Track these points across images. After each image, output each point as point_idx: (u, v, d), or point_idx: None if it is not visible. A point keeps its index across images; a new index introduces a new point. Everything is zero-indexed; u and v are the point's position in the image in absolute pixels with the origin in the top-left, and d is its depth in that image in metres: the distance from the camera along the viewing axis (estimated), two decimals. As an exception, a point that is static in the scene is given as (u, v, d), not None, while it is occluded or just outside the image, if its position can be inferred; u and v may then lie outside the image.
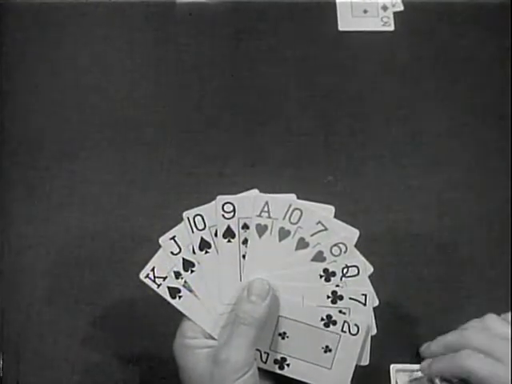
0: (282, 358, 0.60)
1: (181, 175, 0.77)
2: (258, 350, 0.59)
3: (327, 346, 0.59)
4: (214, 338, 0.59)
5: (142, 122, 0.79)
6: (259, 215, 0.59)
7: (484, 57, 0.83)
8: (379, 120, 0.80)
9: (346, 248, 0.59)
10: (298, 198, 0.60)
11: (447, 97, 0.81)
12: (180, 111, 0.80)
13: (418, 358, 0.67)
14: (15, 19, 0.84)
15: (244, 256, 0.59)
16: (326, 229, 0.59)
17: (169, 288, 0.60)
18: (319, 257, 0.59)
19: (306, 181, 0.76)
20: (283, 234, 0.59)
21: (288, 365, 0.60)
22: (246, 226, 0.59)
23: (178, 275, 0.60)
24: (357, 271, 0.59)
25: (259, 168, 0.77)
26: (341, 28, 0.85)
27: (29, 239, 0.73)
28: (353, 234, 0.59)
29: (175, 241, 0.60)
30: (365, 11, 0.86)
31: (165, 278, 0.59)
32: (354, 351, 0.59)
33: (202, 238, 0.59)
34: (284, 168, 0.77)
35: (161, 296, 0.59)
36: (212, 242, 0.59)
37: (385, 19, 0.85)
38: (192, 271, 0.59)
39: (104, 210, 0.75)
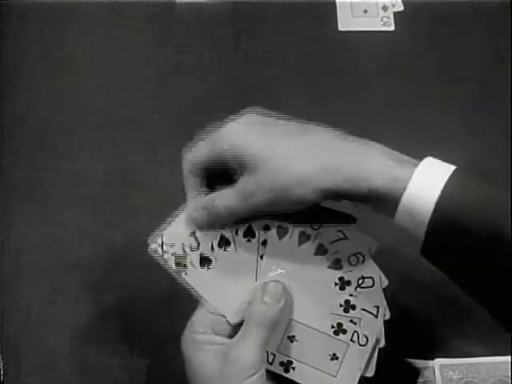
0: (288, 360, 0.59)
1: (181, 175, 0.77)
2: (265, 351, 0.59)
3: (334, 354, 0.59)
4: (223, 335, 0.58)
5: (142, 122, 0.80)
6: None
7: (484, 57, 0.83)
8: (379, 120, 0.80)
9: (364, 258, 0.59)
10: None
11: (447, 97, 0.81)
12: (180, 111, 0.80)
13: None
14: (15, 19, 0.84)
15: (262, 257, 0.59)
16: (346, 238, 0.59)
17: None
18: (336, 265, 0.59)
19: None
20: (303, 238, 0.59)
21: (293, 368, 0.59)
22: (267, 228, 0.59)
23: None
24: (372, 283, 0.59)
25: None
26: (341, 28, 0.85)
27: (29, 239, 0.73)
28: (372, 245, 0.59)
29: (195, 236, 0.59)
30: (365, 11, 0.86)
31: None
32: (360, 361, 0.59)
33: (221, 235, 0.59)
34: None
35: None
36: (232, 240, 0.59)
37: (385, 19, 0.85)
38: (209, 268, 0.59)
39: (104, 210, 0.75)
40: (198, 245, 0.59)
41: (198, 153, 0.59)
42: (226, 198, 0.57)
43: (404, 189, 0.53)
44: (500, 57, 0.83)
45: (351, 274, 0.59)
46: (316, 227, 0.59)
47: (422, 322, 0.70)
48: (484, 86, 0.81)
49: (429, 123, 0.80)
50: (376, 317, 0.59)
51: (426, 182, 0.53)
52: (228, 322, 0.58)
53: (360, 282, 0.59)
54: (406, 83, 0.82)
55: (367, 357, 0.59)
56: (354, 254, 0.59)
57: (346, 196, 0.55)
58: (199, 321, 0.58)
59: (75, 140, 0.78)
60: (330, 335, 0.59)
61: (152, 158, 0.78)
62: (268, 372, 0.58)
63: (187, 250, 0.59)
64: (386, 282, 0.59)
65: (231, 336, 0.58)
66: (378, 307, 0.59)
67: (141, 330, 0.69)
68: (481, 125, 0.80)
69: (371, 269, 0.59)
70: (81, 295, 0.71)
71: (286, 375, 0.59)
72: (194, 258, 0.59)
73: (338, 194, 0.54)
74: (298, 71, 0.82)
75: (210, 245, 0.59)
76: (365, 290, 0.59)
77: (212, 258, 0.59)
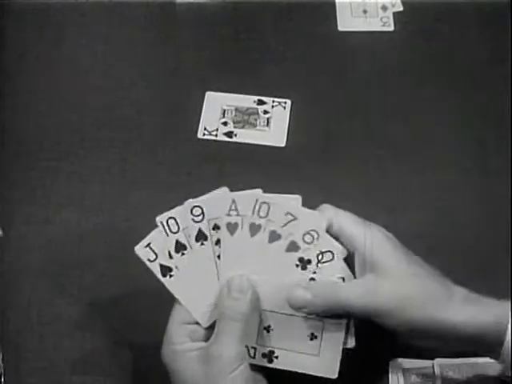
0: (269, 351, 0.60)
1: (181, 175, 0.77)
2: (245, 346, 0.59)
3: (312, 334, 0.60)
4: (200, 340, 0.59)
5: (142, 122, 0.80)
6: (228, 214, 0.60)
7: (484, 57, 0.83)
8: (379, 120, 0.80)
9: (318, 234, 0.60)
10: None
11: (447, 97, 0.81)
12: (180, 111, 0.80)
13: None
14: (15, 19, 0.84)
15: (219, 256, 0.60)
16: (295, 218, 0.60)
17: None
18: (293, 247, 0.60)
19: (305, 181, 0.76)
20: (254, 229, 0.60)
21: (276, 357, 0.60)
22: (216, 227, 0.60)
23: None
24: (331, 256, 0.60)
25: (259, 168, 0.77)
26: (340, 28, 0.85)
27: (29, 239, 0.73)
28: (323, 221, 0.60)
29: (151, 248, 0.60)
30: (364, 11, 0.86)
31: None
32: (338, 335, 0.59)
33: (177, 241, 0.60)
34: (284, 168, 0.77)
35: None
36: (187, 244, 0.60)
37: (384, 19, 0.85)
38: (170, 276, 0.60)
39: (104, 210, 0.75)
40: (156, 256, 0.60)
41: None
42: (347, 290, 0.59)
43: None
44: (500, 57, 0.83)
45: (309, 253, 0.60)
46: (263, 215, 0.59)
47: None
48: (484, 86, 0.81)
49: (429, 123, 0.79)
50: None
51: None
52: (201, 327, 0.59)
53: (320, 257, 0.60)
54: (406, 83, 0.82)
55: (344, 329, 0.59)
56: (308, 232, 0.60)
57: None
58: (175, 332, 0.59)
59: (75, 140, 0.78)
60: (303, 317, 0.59)
61: (152, 158, 0.78)
62: (251, 367, 0.59)
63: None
64: (345, 252, 0.60)
65: (208, 340, 0.59)
66: (342, 278, 0.60)
67: (141, 330, 0.69)
68: (481, 125, 0.80)
69: (328, 243, 0.60)
70: (81, 295, 0.71)
71: (271, 365, 0.60)
72: (154, 268, 0.60)
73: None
74: (298, 71, 0.82)
75: (167, 252, 0.60)
76: (326, 264, 0.60)
77: (172, 266, 0.60)
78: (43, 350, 0.68)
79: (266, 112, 0.80)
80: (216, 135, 0.78)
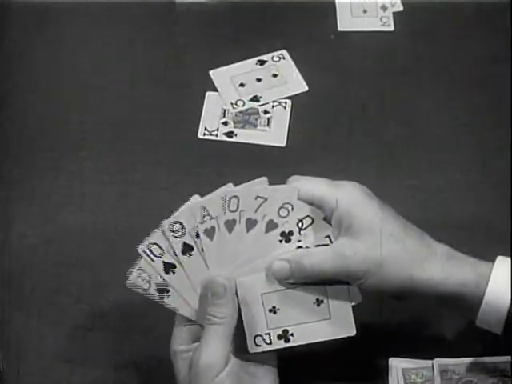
0: (283, 331, 0.60)
1: (181, 175, 0.77)
2: (258, 335, 0.60)
3: (317, 299, 0.60)
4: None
5: (142, 122, 0.80)
6: (202, 222, 0.60)
7: (484, 57, 0.83)
8: (379, 120, 0.80)
9: (292, 205, 0.60)
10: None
11: (447, 97, 0.81)
12: (180, 111, 0.80)
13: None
14: (15, 19, 0.84)
15: (206, 263, 0.60)
16: (265, 199, 0.60)
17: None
18: (271, 225, 0.60)
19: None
20: (230, 225, 0.60)
21: (292, 334, 0.60)
22: (197, 235, 0.60)
23: None
24: (310, 220, 0.60)
25: (258, 168, 0.76)
26: (340, 28, 0.85)
27: (29, 239, 0.73)
28: (293, 191, 0.60)
29: (141, 277, 0.60)
30: (364, 11, 0.86)
31: None
32: (343, 294, 0.59)
33: (164, 263, 0.60)
34: (284, 168, 0.77)
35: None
36: (175, 262, 0.60)
37: (384, 19, 0.86)
38: (168, 296, 0.60)
39: (104, 210, 0.75)
40: (150, 285, 0.60)
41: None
42: (315, 256, 0.59)
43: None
44: (500, 56, 0.83)
45: (289, 225, 0.60)
46: (234, 209, 0.60)
47: (422, 321, 0.70)
48: (484, 86, 0.81)
49: (429, 123, 0.79)
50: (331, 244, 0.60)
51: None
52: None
53: (300, 225, 0.60)
54: (406, 83, 0.82)
55: (346, 287, 0.60)
56: (281, 207, 0.60)
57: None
58: (177, 333, 0.60)
59: (75, 140, 0.78)
60: (302, 286, 0.60)
61: (152, 158, 0.78)
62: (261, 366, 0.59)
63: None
64: (322, 214, 0.60)
65: None
66: (328, 236, 0.60)
67: (141, 330, 0.69)
68: (481, 125, 0.80)
69: (303, 209, 0.60)
70: (81, 295, 0.71)
71: (289, 345, 0.60)
72: (152, 295, 0.60)
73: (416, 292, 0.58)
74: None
75: (159, 276, 0.60)
76: (308, 229, 0.60)
77: (167, 287, 0.60)
78: (43, 350, 0.68)
79: (266, 112, 0.80)
80: (216, 135, 0.78)
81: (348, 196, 0.59)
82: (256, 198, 0.60)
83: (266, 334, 0.60)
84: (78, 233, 0.74)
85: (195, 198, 0.61)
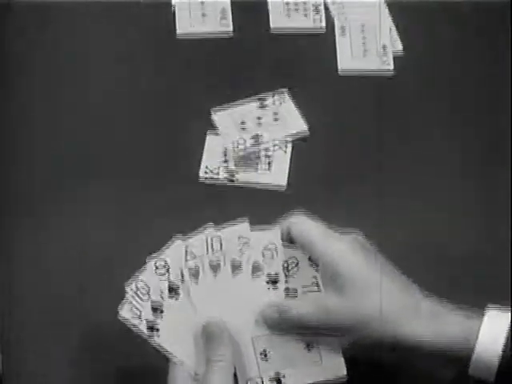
0: (275, 373, 0.60)
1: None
2: (251, 379, 0.60)
3: (308, 344, 0.60)
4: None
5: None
6: (186, 261, 0.60)
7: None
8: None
9: (276, 246, 0.60)
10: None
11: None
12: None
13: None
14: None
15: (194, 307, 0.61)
16: (248, 239, 0.60)
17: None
18: (256, 270, 0.60)
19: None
20: (214, 267, 0.60)
21: (284, 376, 0.60)
22: (183, 277, 0.60)
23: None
24: (296, 261, 0.60)
25: (258, 208, 0.75)
26: (341, 67, 0.82)
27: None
28: (275, 232, 0.60)
29: (131, 311, 0.60)
30: (365, 51, 0.84)
31: None
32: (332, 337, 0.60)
33: (152, 304, 0.60)
34: (284, 208, 0.75)
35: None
36: (162, 302, 0.60)
37: (384, 58, 0.83)
38: (158, 336, 0.60)
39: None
40: (140, 312, 0.60)
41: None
42: (303, 308, 0.59)
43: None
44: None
45: (273, 268, 0.60)
46: (217, 249, 0.60)
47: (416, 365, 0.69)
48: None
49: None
50: (318, 286, 0.60)
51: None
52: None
53: (285, 266, 0.60)
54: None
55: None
56: (265, 249, 0.60)
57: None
58: (176, 372, 0.60)
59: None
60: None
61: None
62: None
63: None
64: (307, 255, 0.60)
65: None
66: (315, 277, 0.60)
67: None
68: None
69: (288, 252, 0.60)
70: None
71: None
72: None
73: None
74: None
75: (144, 320, 0.60)
76: (294, 270, 0.60)
77: (156, 326, 0.60)
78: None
79: (267, 156, 0.78)
80: (218, 173, 0.77)
81: (340, 248, 0.59)
82: (239, 239, 0.60)
83: (258, 378, 0.60)
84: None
85: (179, 237, 0.61)
